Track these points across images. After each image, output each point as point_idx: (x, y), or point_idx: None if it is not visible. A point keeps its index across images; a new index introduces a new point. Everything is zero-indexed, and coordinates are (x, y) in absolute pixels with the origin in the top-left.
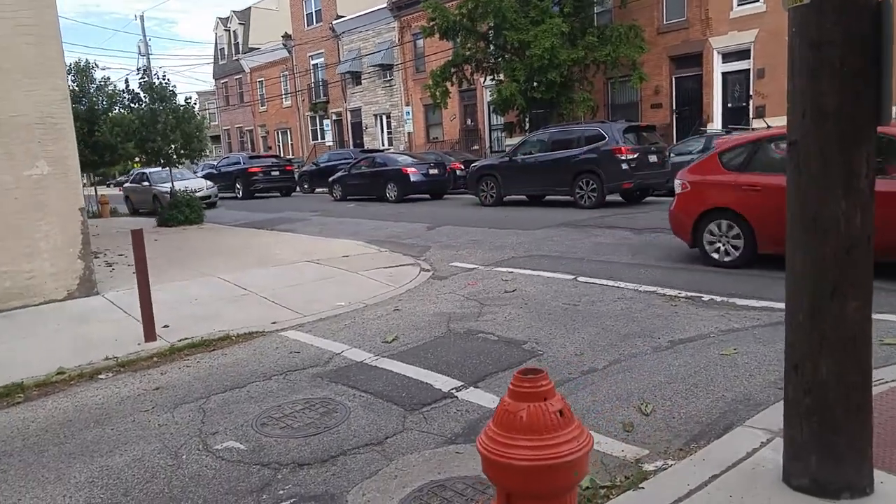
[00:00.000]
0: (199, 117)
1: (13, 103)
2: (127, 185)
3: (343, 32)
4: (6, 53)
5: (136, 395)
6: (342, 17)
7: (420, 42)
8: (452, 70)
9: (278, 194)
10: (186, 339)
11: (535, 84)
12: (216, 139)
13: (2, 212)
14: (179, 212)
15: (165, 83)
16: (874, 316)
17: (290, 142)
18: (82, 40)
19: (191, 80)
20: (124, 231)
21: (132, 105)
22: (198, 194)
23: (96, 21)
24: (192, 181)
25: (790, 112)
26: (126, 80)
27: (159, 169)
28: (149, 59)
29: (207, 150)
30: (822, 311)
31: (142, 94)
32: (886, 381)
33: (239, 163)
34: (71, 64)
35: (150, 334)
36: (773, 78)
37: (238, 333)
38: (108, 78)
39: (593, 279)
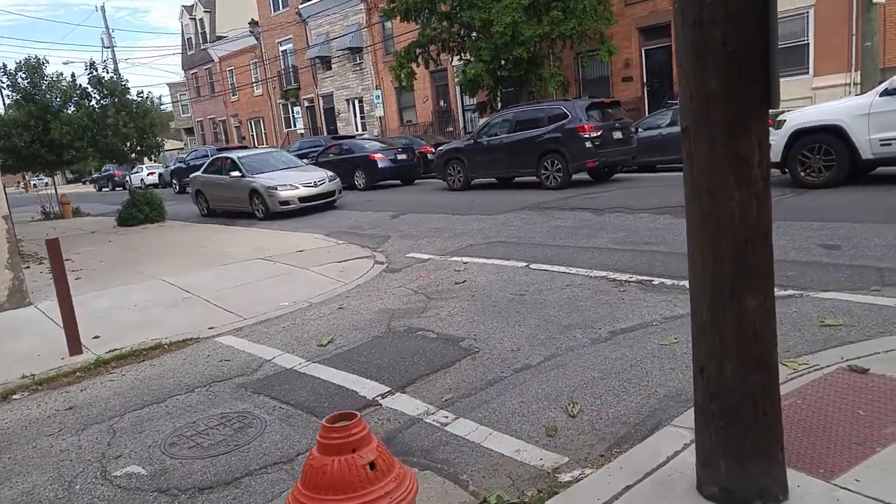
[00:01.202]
0: (153, 111)
1: None
2: (197, 175)
3: (310, 16)
4: None
5: (46, 416)
6: (308, 0)
7: (388, 24)
8: (418, 51)
9: None
10: (115, 350)
11: (502, 62)
12: (189, 131)
13: None
14: (139, 210)
15: (116, 77)
16: (818, 295)
17: (263, 131)
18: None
19: (161, 71)
20: (82, 233)
21: (79, 101)
22: (315, 189)
23: (65, 14)
24: (306, 172)
25: (680, 96)
26: (72, 76)
27: (260, 151)
28: (113, 51)
29: (163, 146)
30: (722, 310)
31: (90, 90)
32: (820, 367)
33: (207, 155)
34: (20, 61)
35: (74, 348)
36: None
37: (171, 341)
38: (61, 74)
39: (545, 266)
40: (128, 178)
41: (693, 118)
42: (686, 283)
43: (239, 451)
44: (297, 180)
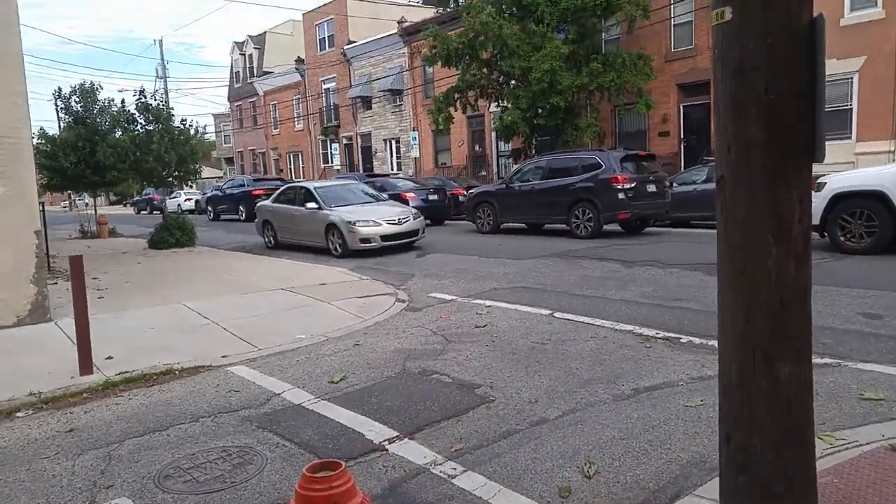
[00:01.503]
0: (195, 139)
1: None
2: (265, 204)
3: (354, 57)
4: None
5: (46, 437)
6: (353, 42)
7: (429, 68)
8: (456, 96)
9: None
10: (126, 372)
11: (538, 110)
12: (230, 161)
13: None
14: (171, 234)
15: (162, 105)
16: (857, 366)
17: (301, 165)
18: (111, 65)
19: (207, 102)
20: (113, 253)
21: (126, 126)
22: (398, 227)
23: (129, 46)
24: (388, 207)
25: (717, 145)
26: (122, 101)
27: (337, 182)
28: (165, 81)
29: (200, 173)
30: (753, 377)
31: (137, 115)
32: (859, 444)
33: (243, 185)
34: (75, 85)
35: (86, 367)
36: None
37: (183, 367)
38: (112, 99)
39: (570, 315)
40: (165, 202)
41: (730, 168)
42: (715, 343)
43: (234, 490)
44: (379, 216)
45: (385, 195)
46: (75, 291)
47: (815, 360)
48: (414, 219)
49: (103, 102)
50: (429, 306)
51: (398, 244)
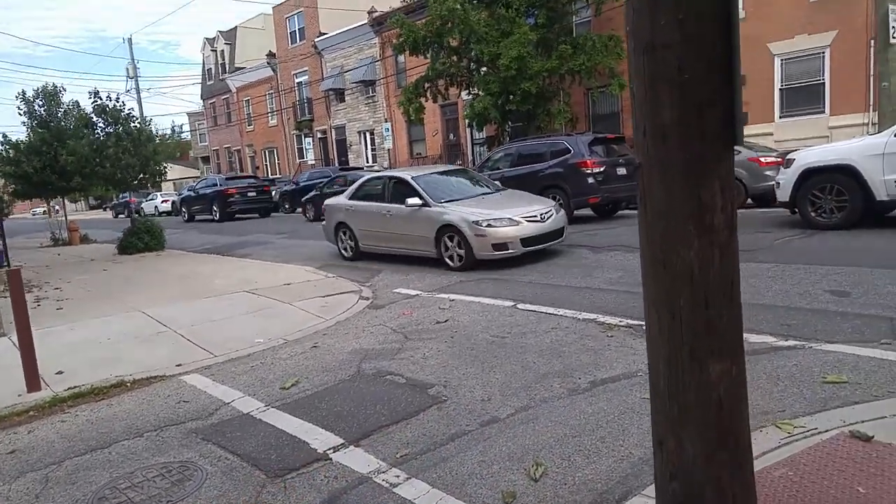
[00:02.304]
0: (157, 139)
1: None
2: (338, 202)
3: (325, 49)
4: None
5: None
6: (325, 34)
7: (401, 58)
8: (426, 85)
9: (257, 215)
10: (75, 387)
11: (510, 97)
12: (206, 160)
13: None
14: (139, 238)
15: (120, 106)
16: (821, 347)
17: (276, 161)
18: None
19: (182, 101)
20: (81, 260)
21: (84, 130)
22: (542, 225)
23: (101, 47)
24: (518, 200)
25: (634, 129)
26: (77, 104)
27: (437, 169)
28: (137, 81)
29: (165, 174)
30: (681, 377)
31: (94, 118)
32: (819, 432)
33: (216, 184)
34: (38, 88)
35: (33, 384)
36: (755, 84)
37: (135, 379)
38: (77, 102)
39: (533, 306)
40: (141, 205)
41: (646, 155)
42: None
43: None
44: (514, 212)
45: (497, 184)
46: (15, 306)
47: (779, 342)
48: (556, 213)
49: (67, 105)
50: (392, 303)
51: (540, 249)
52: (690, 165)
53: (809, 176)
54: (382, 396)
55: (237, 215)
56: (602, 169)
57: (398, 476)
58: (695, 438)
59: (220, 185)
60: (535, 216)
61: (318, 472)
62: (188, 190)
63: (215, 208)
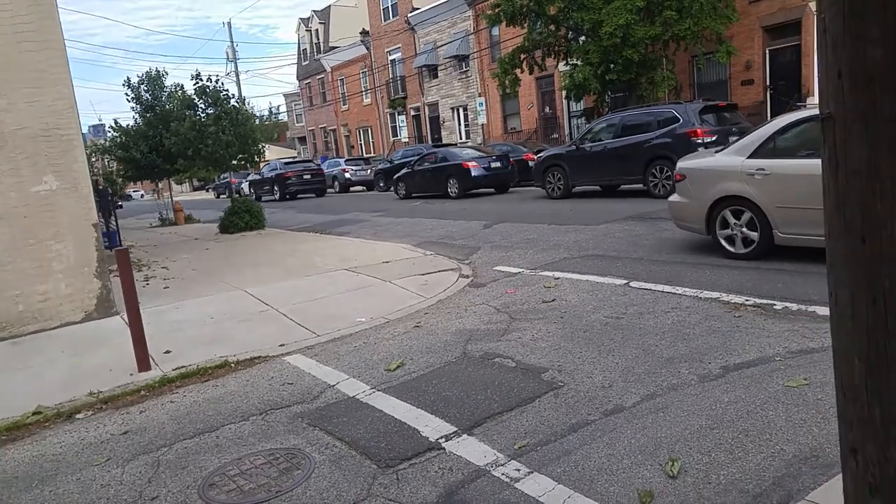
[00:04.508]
0: (253, 119)
1: (16, 115)
2: (703, 164)
3: (418, 24)
4: (5, 61)
5: (101, 441)
6: (417, 8)
7: (496, 30)
8: (522, 56)
9: (313, 195)
10: (182, 367)
11: (610, 66)
12: (302, 140)
13: (10, 231)
14: (240, 218)
15: (219, 87)
16: None
17: (371, 140)
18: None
19: (278, 82)
20: (185, 240)
21: (186, 112)
22: None
23: (206, 32)
24: None
25: (822, 73)
26: (180, 86)
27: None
28: (236, 64)
29: (263, 154)
30: (885, 375)
31: (196, 100)
32: None
33: (276, 168)
34: (142, 74)
35: (143, 363)
36: None
37: (238, 360)
38: (180, 84)
39: (648, 284)
40: (241, 185)
41: (841, 103)
42: (816, 309)
43: (279, 500)
44: None
45: None
46: (125, 287)
47: None
48: None
49: (170, 88)
50: (494, 281)
51: None
52: None
53: None
54: (492, 381)
55: (300, 195)
56: (714, 139)
57: (518, 470)
58: None
59: (280, 169)
60: None
61: (432, 462)
62: (256, 174)
63: (276, 189)
